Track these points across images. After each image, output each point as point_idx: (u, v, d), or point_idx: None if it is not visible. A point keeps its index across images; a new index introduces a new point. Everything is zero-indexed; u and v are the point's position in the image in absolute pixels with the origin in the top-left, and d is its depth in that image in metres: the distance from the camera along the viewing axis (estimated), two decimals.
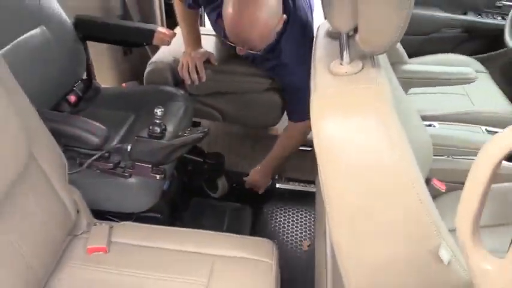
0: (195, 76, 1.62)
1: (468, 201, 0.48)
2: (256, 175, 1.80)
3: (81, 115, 1.50)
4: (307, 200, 1.87)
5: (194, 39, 1.66)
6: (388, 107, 0.69)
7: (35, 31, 1.40)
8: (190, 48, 1.65)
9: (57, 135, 1.07)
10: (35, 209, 0.94)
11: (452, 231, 0.64)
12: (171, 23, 2.10)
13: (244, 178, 1.83)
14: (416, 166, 0.68)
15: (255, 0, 1.25)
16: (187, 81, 1.63)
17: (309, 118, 0.73)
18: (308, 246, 1.69)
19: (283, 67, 1.51)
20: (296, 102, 1.57)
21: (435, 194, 1.21)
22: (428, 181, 1.21)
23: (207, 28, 2.20)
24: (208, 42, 1.87)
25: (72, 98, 1.54)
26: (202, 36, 1.81)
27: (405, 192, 0.68)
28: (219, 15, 1.49)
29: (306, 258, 1.65)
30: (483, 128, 1.48)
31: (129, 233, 1.12)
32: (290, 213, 1.84)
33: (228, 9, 1.27)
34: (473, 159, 0.47)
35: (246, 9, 1.25)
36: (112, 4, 2.00)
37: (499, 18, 2.27)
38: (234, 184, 1.83)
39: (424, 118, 1.29)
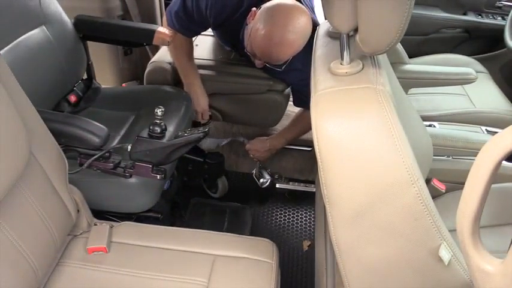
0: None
1: (468, 201, 0.48)
2: (260, 143, 1.78)
3: (81, 115, 1.50)
4: (307, 200, 1.87)
5: (197, 72, 1.67)
6: (388, 107, 0.69)
7: (36, 31, 1.40)
8: (197, 84, 1.65)
9: (58, 135, 1.07)
10: (35, 209, 0.94)
11: (453, 231, 0.64)
12: None
13: (247, 143, 1.81)
14: (416, 166, 0.68)
15: (292, 24, 1.27)
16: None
17: None
18: (308, 246, 1.69)
19: (294, 71, 1.52)
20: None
21: (435, 194, 1.21)
22: (428, 181, 1.21)
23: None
24: (209, 42, 1.87)
25: (73, 98, 1.54)
26: (204, 37, 1.81)
27: (405, 192, 0.68)
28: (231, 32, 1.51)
29: (306, 258, 1.65)
30: (483, 128, 1.48)
31: (129, 233, 1.12)
32: (290, 213, 1.84)
33: (261, 30, 1.29)
34: (473, 160, 0.47)
35: (280, 31, 1.28)
36: (112, 4, 2.00)
37: (499, 18, 2.27)
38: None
39: (424, 118, 1.29)
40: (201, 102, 1.67)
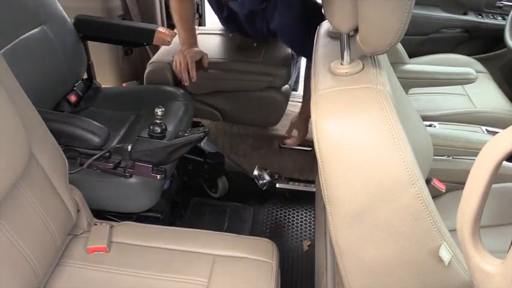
0: (186, 76, 1.58)
1: (468, 201, 0.48)
2: (298, 121, 1.75)
3: (82, 115, 1.50)
4: (307, 199, 1.87)
5: (189, 37, 1.65)
6: (388, 107, 0.69)
7: (36, 31, 1.40)
8: (185, 46, 1.62)
9: (58, 135, 1.07)
10: (36, 209, 0.94)
11: (453, 231, 0.64)
12: (172, 23, 2.10)
13: (285, 135, 1.80)
14: (416, 166, 0.68)
15: None
16: (183, 81, 1.63)
17: None
18: (308, 246, 1.69)
19: (278, 11, 1.50)
20: (303, 47, 1.56)
21: (435, 194, 1.21)
22: (428, 181, 1.21)
23: (207, 27, 2.21)
24: (208, 42, 1.88)
25: (73, 98, 1.54)
26: (203, 36, 1.81)
27: (405, 192, 0.68)
28: None
29: (306, 258, 1.65)
30: (483, 128, 1.48)
31: (129, 233, 1.12)
32: (290, 213, 1.84)
33: None
34: (473, 160, 0.47)
35: None
36: (112, 4, 2.00)
37: (499, 18, 2.27)
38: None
39: (425, 118, 1.29)
40: (191, 51, 1.60)
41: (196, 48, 1.64)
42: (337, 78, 0.78)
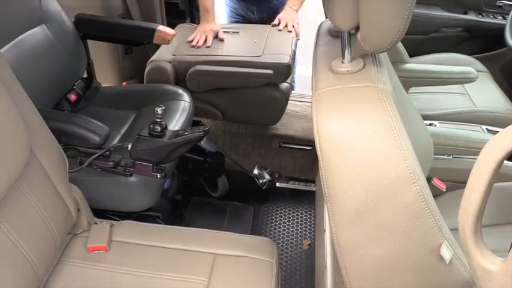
0: (201, 43, 1.77)
1: (470, 200, 0.48)
2: (288, 13, 1.95)
3: (82, 114, 1.50)
4: (308, 199, 1.87)
5: (210, 15, 1.84)
6: (389, 106, 0.69)
7: (36, 30, 1.40)
8: (205, 22, 1.83)
9: (58, 133, 1.07)
10: (36, 208, 0.94)
11: (453, 230, 0.64)
12: (171, 22, 2.10)
13: (278, 17, 1.94)
14: (418, 164, 0.68)
15: None
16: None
17: None
18: (308, 245, 1.69)
19: None
20: None
21: (435, 194, 1.21)
22: (429, 180, 1.21)
23: None
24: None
25: (73, 97, 1.54)
26: None
27: (407, 190, 0.68)
28: None
29: (306, 257, 1.65)
30: (484, 127, 1.48)
31: (129, 232, 1.12)
32: (290, 213, 1.84)
33: None
34: (473, 159, 0.47)
35: None
36: (113, 3, 2.00)
37: (500, 17, 2.27)
38: None
39: (425, 117, 1.29)
40: (207, 26, 1.83)
41: (214, 25, 1.84)
42: (338, 76, 0.78)
